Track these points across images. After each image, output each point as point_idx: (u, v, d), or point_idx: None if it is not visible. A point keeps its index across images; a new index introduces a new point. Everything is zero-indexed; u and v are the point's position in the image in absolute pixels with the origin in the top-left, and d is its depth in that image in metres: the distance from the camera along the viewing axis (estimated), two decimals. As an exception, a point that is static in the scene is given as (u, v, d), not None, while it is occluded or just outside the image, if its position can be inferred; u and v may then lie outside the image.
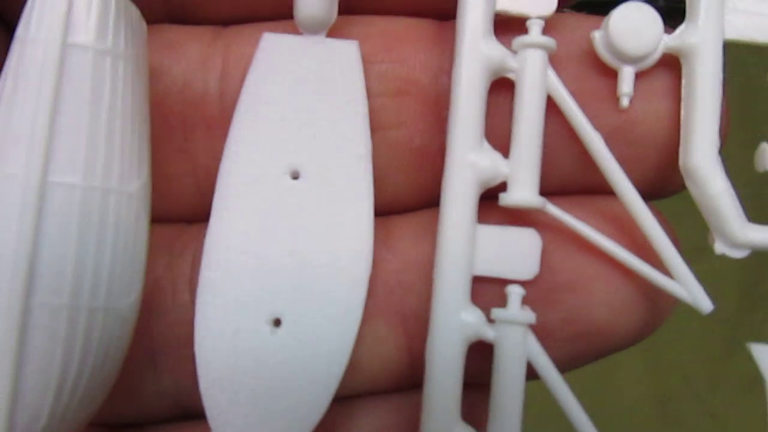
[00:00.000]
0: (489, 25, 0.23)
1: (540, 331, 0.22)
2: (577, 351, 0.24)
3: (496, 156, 0.23)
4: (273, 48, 0.23)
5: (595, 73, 0.23)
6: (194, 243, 0.24)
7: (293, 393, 0.22)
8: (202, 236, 0.23)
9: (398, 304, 0.24)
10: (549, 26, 0.23)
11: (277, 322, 0.22)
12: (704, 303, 0.23)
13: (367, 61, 0.24)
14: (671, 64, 0.23)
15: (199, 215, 0.24)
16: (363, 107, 0.23)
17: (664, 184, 0.24)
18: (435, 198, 0.23)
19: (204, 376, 0.22)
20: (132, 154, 0.20)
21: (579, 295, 0.23)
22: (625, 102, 0.23)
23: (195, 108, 0.24)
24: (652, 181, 0.24)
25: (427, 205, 0.24)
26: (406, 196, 0.25)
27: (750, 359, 0.23)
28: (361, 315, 0.22)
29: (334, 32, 0.24)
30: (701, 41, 0.22)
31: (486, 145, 0.23)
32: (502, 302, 0.22)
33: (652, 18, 0.23)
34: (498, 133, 0.23)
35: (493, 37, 0.23)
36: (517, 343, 0.22)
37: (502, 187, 0.23)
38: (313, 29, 0.23)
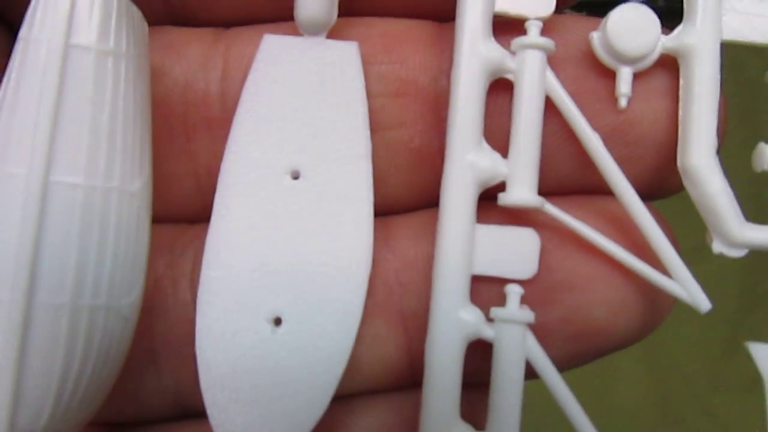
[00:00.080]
0: (488, 27, 0.23)
1: (539, 330, 0.23)
2: (575, 350, 0.24)
3: (495, 156, 0.23)
4: (273, 49, 0.24)
5: (593, 73, 0.23)
6: (195, 243, 0.24)
7: (294, 392, 0.22)
8: (203, 236, 0.23)
9: (398, 304, 0.24)
10: (547, 27, 0.23)
11: (277, 322, 0.22)
12: (703, 302, 0.23)
13: (366, 62, 0.24)
14: (669, 65, 0.23)
15: (201, 215, 0.24)
16: (363, 108, 0.23)
17: (663, 184, 0.24)
18: (434, 198, 0.23)
19: (205, 374, 0.22)
20: (134, 154, 0.20)
21: (578, 295, 0.23)
22: (623, 102, 0.23)
23: (196, 109, 0.24)
24: (650, 181, 0.24)
25: (426, 205, 0.25)
26: (406, 196, 0.25)
27: (750, 359, 0.23)
28: (361, 314, 0.23)
29: (334, 33, 0.24)
30: (699, 42, 0.23)
31: (485, 145, 0.23)
32: (501, 301, 0.23)
33: (649, 19, 0.23)
34: (497, 134, 0.23)
35: (492, 39, 0.23)
36: (516, 342, 0.22)
37: (502, 187, 0.23)
38: (313, 30, 0.24)
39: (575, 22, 0.24)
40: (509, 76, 0.23)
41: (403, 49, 0.24)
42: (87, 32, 0.19)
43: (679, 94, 0.23)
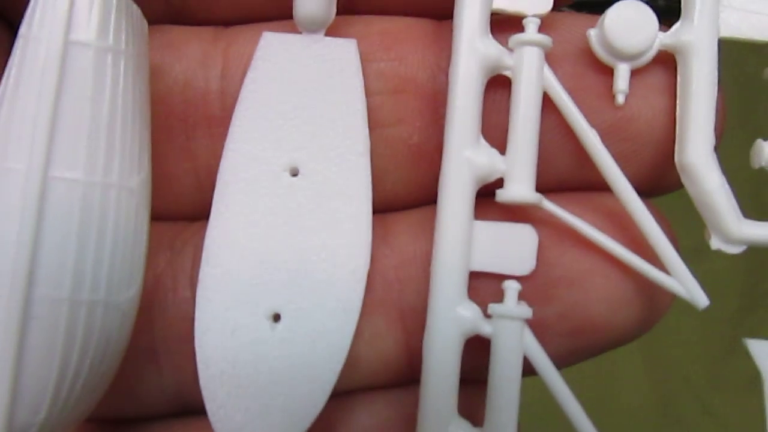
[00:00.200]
0: (486, 24, 0.23)
1: (537, 326, 0.23)
2: (574, 346, 0.24)
3: (493, 152, 0.23)
4: (273, 47, 0.24)
5: (591, 70, 0.24)
6: (195, 240, 0.25)
7: (292, 387, 0.22)
8: (202, 233, 0.23)
9: (396, 300, 0.24)
10: (545, 25, 0.23)
11: (276, 318, 0.23)
12: (700, 298, 0.23)
13: (365, 60, 0.24)
14: (667, 62, 0.23)
15: (200, 213, 0.24)
16: (361, 105, 0.23)
17: (661, 181, 0.24)
18: (433, 195, 0.23)
19: (204, 370, 0.22)
20: (132, 150, 0.20)
21: (576, 291, 0.23)
22: (620, 99, 0.23)
23: (196, 107, 0.24)
24: (648, 178, 0.24)
25: (425, 202, 0.25)
26: (405, 193, 0.25)
27: (750, 359, 0.23)
28: (360, 310, 0.23)
29: (332, 31, 0.24)
30: (696, 39, 0.23)
31: (483, 141, 0.23)
32: (499, 298, 0.23)
33: (647, 16, 0.23)
34: (495, 131, 0.23)
35: (490, 36, 0.23)
36: (514, 338, 0.22)
37: (500, 183, 0.23)
38: (312, 28, 0.24)
39: (573, 19, 0.24)
40: (507, 73, 0.23)
41: (402, 46, 0.24)
42: (86, 29, 0.19)
43: (676, 91, 0.23)
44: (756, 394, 0.23)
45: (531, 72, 0.23)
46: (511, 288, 0.22)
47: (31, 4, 0.19)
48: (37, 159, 0.18)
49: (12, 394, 0.18)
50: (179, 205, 0.25)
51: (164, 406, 0.25)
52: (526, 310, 0.22)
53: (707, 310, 0.23)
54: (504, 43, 0.23)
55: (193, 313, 0.23)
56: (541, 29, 0.23)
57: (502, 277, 0.23)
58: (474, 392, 0.23)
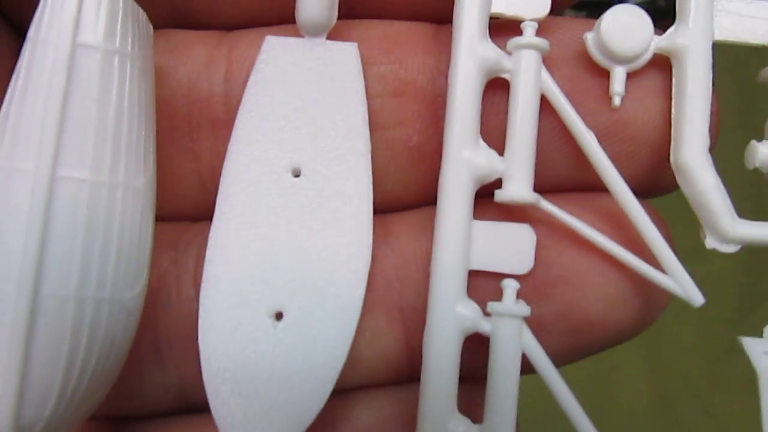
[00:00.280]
0: (484, 28, 0.23)
1: (535, 324, 0.23)
2: (572, 344, 0.24)
3: (492, 153, 0.23)
4: (275, 50, 0.24)
5: (587, 73, 0.24)
6: (198, 240, 0.25)
7: (294, 385, 0.22)
8: (206, 233, 0.23)
9: (397, 299, 0.24)
10: (543, 29, 0.24)
11: (278, 316, 0.23)
12: (696, 297, 0.23)
13: (366, 63, 0.24)
14: (662, 65, 0.24)
15: (204, 214, 0.25)
16: (362, 107, 0.24)
17: (657, 182, 0.25)
18: (433, 195, 0.24)
19: (207, 368, 0.22)
20: (138, 151, 0.20)
21: (573, 289, 0.24)
22: (617, 101, 0.23)
23: (200, 109, 0.25)
24: (644, 179, 0.24)
25: (425, 202, 0.25)
26: (405, 193, 0.25)
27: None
28: (361, 309, 0.23)
29: (334, 35, 0.24)
30: (691, 42, 0.23)
31: (482, 143, 0.23)
32: (498, 296, 0.23)
33: (642, 20, 0.23)
34: (493, 132, 0.24)
35: (489, 39, 0.23)
36: (512, 335, 0.22)
37: (499, 184, 0.23)
38: (314, 32, 0.24)
39: (570, 23, 0.24)
40: (505, 76, 0.24)
41: (402, 50, 0.25)
42: (94, 32, 0.20)
43: (671, 93, 0.23)
44: (756, 393, 0.23)
45: (529, 74, 0.23)
46: (510, 286, 0.23)
47: (40, 7, 0.20)
48: (45, 159, 0.19)
49: (19, 390, 0.19)
50: (183, 206, 0.26)
51: (168, 404, 0.25)
52: (524, 308, 0.23)
53: (707, 310, 0.23)
54: (502, 47, 0.23)
55: (197, 311, 0.23)
56: (539, 33, 0.23)
57: (501, 276, 0.23)
58: (474, 390, 0.23)
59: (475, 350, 0.23)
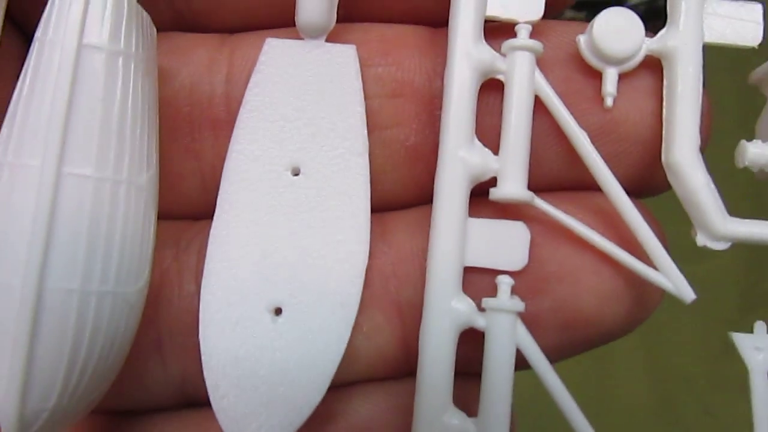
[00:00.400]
0: (479, 30, 0.24)
1: (529, 320, 0.23)
2: (565, 340, 0.25)
3: (486, 152, 0.24)
4: (275, 52, 0.25)
5: (580, 74, 0.24)
6: (200, 237, 0.25)
7: (293, 379, 0.23)
8: (207, 231, 0.24)
9: (394, 295, 0.25)
10: (537, 32, 0.24)
11: (277, 311, 0.23)
12: (687, 293, 0.23)
13: (364, 65, 0.25)
14: (653, 66, 0.24)
15: (205, 212, 0.25)
16: (360, 108, 0.24)
17: (649, 181, 0.25)
18: (429, 194, 0.24)
19: (207, 361, 0.23)
20: (141, 148, 0.21)
21: (567, 285, 0.24)
22: (609, 102, 0.24)
23: (202, 109, 0.25)
24: (637, 178, 0.25)
25: (421, 201, 0.26)
26: (402, 192, 0.26)
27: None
28: (358, 305, 0.24)
29: (333, 38, 0.25)
30: (681, 44, 0.23)
31: (477, 142, 0.24)
32: (493, 293, 0.23)
33: (634, 22, 0.24)
34: (488, 132, 0.24)
35: (483, 41, 0.24)
36: (507, 331, 0.23)
37: (493, 183, 0.24)
38: (313, 34, 0.25)
39: (563, 26, 0.25)
40: (500, 77, 0.24)
41: (399, 52, 0.25)
42: (99, 33, 0.20)
43: (663, 94, 0.24)
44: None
45: (523, 76, 0.24)
46: (504, 282, 0.23)
47: (47, 10, 0.21)
48: (51, 156, 0.19)
49: (24, 382, 0.19)
50: (185, 205, 0.26)
51: (169, 398, 0.26)
52: (518, 304, 0.23)
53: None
54: (497, 49, 0.24)
55: (198, 306, 0.23)
56: (533, 36, 0.24)
57: (496, 273, 0.24)
58: (469, 385, 0.24)
59: (471, 346, 0.23)
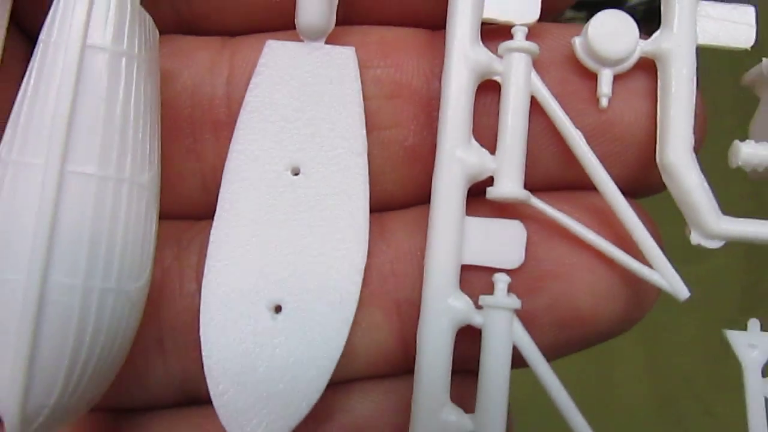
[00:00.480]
0: (476, 33, 0.24)
1: (526, 317, 0.24)
2: (562, 337, 0.25)
3: (484, 152, 0.24)
4: (276, 54, 0.25)
5: (576, 76, 0.25)
6: (201, 236, 0.26)
7: (292, 375, 0.23)
8: (208, 231, 0.24)
9: (392, 292, 0.25)
10: (533, 34, 0.24)
11: (277, 309, 0.24)
12: (681, 290, 0.24)
13: (363, 66, 0.25)
14: (647, 67, 0.25)
15: (206, 212, 0.25)
16: (359, 108, 0.25)
17: (644, 181, 0.25)
18: (427, 194, 0.25)
19: (208, 358, 0.23)
20: (144, 148, 0.21)
21: (563, 283, 0.24)
22: (604, 102, 0.24)
23: (203, 110, 0.26)
24: (632, 177, 0.25)
25: (420, 201, 0.26)
26: (401, 192, 0.26)
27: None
28: (357, 302, 0.24)
29: (332, 40, 0.25)
30: (675, 46, 0.24)
31: (474, 142, 0.24)
32: (490, 290, 0.24)
33: (628, 24, 0.24)
34: (485, 132, 0.24)
35: (480, 43, 0.24)
36: (503, 327, 0.23)
37: (490, 183, 0.24)
38: (313, 37, 0.25)
39: (558, 29, 0.25)
40: (497, 78, 0.24)
41: (398, 54, 0.26)
42: (102, 34, 0.21)
43: (657, 95, 0.24)
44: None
45: (519, 77, 0.24)
46: (501, 280, 0.24)
47: (51, 12, 0.21)
48: (55, 154, 0.20)
49: (27, 376, 0.20)
50: (186, 205, 0.26)
51: (170, 396, 0.26)
52: (515, 301, 0.23)
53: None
54: (494, 51, 0.24)
55: (199, 304, 0.24)
56: (529, 38, 0.24)
57: (493, 271, 0.24)
58: (467, 382, 0.24)
59: (468, 344, 0.24)
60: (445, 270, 0.24)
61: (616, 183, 0.24)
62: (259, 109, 0.25)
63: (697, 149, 0.24)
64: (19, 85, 0.21)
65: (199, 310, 0.24)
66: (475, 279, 0.24)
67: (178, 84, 0.26)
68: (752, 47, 0.25)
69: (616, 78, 0.24)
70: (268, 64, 0.25)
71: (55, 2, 0.21)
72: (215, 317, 0.24)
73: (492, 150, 0.24)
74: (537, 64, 0.24)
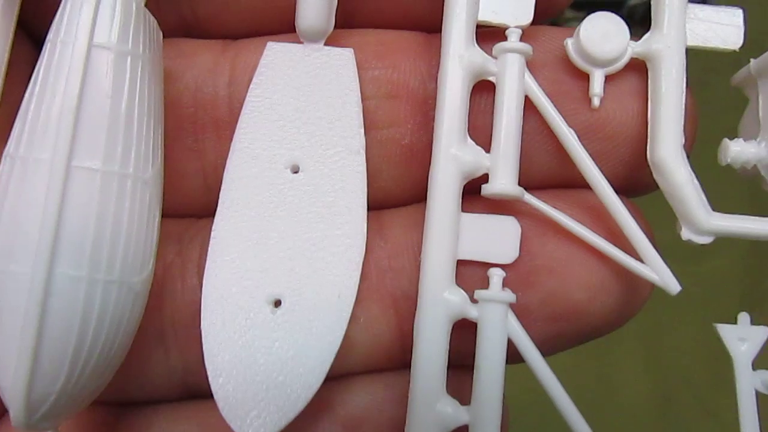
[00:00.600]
0: (471, 34, 0.25)
1: (520, 311, 0.24)
2: (556, 331, 0.25)
3: (479, 150, 0.25)
4: (276, 55, 0.26)
5: (568, 76, 0.25)
6: (202, 233, 0.26)
7: (291, 368, 0.24)
8: (209, 228, 0.25)
9: (390, 287, 0.26)
10: (527, 36, 0.25)
11: (277, 303, 0.24)
12: (672, 285, 0.24)
13: (361, 67, 0.26)
14: (638, 68, 0.25)
15: (208, 210, 0.26)
16: (357, 108, 0.25)
17: (636, 178, 0.26)
18: (424, 192, 0.25)
19: (209, 352, 0.24)
20: (147, 145, 0.22)
21: (556, 278, 0.25)
22: (596, 102, 0.25)
23: (205, 110, 0.26)
24: (623, 175, 0.26)
25: (417, 199, 0.26)
26: (398, 190, 0.27)
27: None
28: (355, 296, 0.24)
29: (331, 42, 0.26)
30: (665, 47, 0.24)
31: (469, 141, 0.25)
32: (485, 285, 0.24)
33: (619, 26, 0.25)
34: (480, 131, 0.25)
35: (476, 45, 0.25)
36: (498, 321, 0.24)
37: (485, 180, 0.25)
38: (312, 38, 0.26)
39: (551, 30, 0.26)
40: (491, 79, 0.25)
41: (395, 55, 0.26)
42: (108, 34, 0.21)
43: (648, 94, 0.25)
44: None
45: (513, 77, 0.24)
46: (496, 275, 0.24)
47: (59, 13, 0.22)
48: (61, 150, 0.20)
49: (32, 365, 0.20)
50: (188, 203, 0.27)
51: (171, 389, 0.27)
52: (509, 295, 0.24)
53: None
54: (489, 52, 0.25)
55: (200, 299, 0.24)
56: (523, 40, 0.25)
57: (488, 266, 0.24)
58: (463, 375, 0.24)
59: (464, 339, 0.24)
60: (442, 265, 0.24)
61: (608, 180, 0.24)
62: (260, 109, 0.25)
63: (689, 147, 0.25)
64: (25, 87, 0.22)
65: (200, 305, 0.24)
66: (470, 274, 0.25)
67: (181, 85, 0.26)
68: (751, 48, 0.25)
69: (608, 78, 0.25)
70: (269, 65, 0.26)
71: (62, 3, 0.22)
72: (216, 311, 0.24)
73: (487, 148, 0.25)
74: (531, 65, 0.25)
